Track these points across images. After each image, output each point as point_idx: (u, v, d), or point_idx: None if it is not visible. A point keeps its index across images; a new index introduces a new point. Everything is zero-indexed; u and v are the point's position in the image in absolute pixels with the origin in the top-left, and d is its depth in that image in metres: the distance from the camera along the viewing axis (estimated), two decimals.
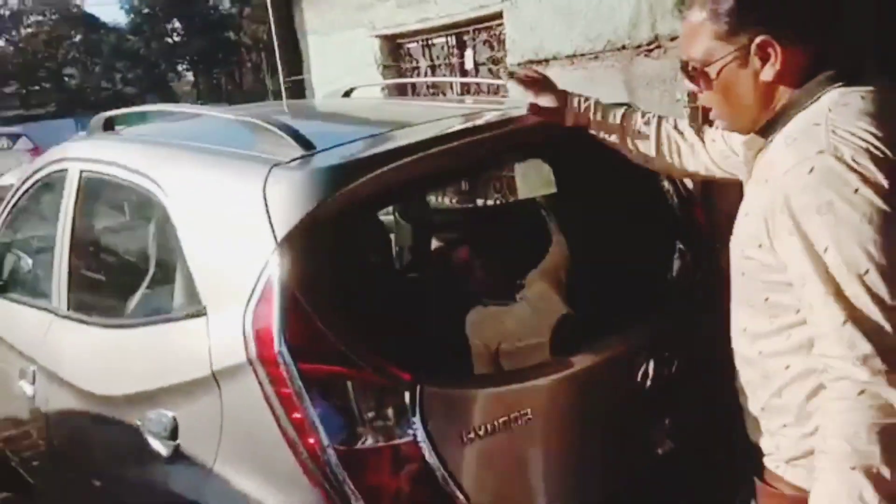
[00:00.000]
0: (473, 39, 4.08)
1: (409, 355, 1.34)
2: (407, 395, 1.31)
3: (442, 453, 1.32)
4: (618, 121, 1.62)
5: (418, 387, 1.32)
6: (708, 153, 1.53)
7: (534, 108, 1.63)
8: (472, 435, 1.35)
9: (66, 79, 32.04)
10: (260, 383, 1.34)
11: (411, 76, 4.46)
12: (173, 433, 1.60)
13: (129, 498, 1.85)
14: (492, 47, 3.96)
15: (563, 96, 1.65)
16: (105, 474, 1.99)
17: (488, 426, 1.36)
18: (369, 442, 1.29)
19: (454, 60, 4.21)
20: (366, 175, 1.39)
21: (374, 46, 4.59)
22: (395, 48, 4.59)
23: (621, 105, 1.66)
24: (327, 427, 1.28)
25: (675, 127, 1.59)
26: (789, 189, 1.02)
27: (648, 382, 1.60)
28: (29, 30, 31.51)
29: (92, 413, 1.96)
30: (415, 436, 1.30)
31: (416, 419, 1.31)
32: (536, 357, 1.55)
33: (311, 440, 1.28)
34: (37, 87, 31.41)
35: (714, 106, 1.22)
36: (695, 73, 1.18)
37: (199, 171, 1.66)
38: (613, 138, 1.63)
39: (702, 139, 1.55)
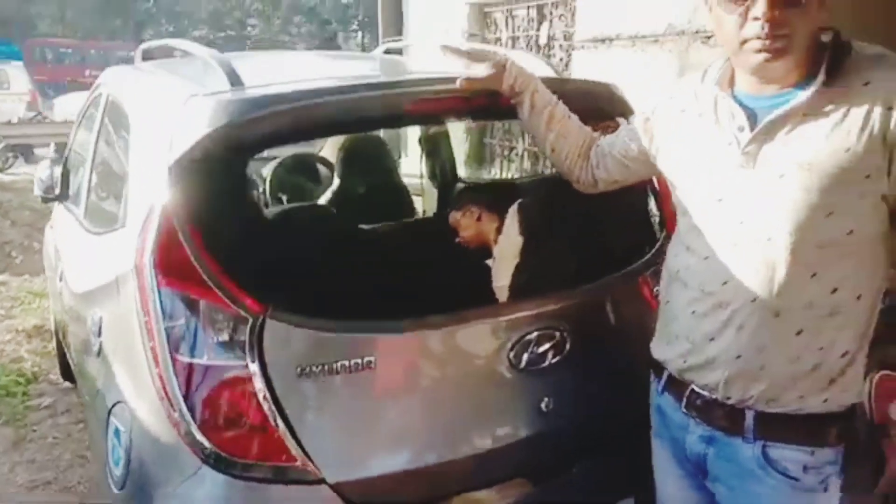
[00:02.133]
0: (551, 13, 4.00)
1: (264, 289, 1.42)
2: (249, 324, 1.39)
3: (274, 385, 1.39)
4: (550, 102, 1.67)
5: (262, 318, 1.40)
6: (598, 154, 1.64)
7: (467, 81, 1.65)
8: (306, 372, 1.41)
9: (249, 28, 34.40)
10: (135, 291, 1.48)
11: (495, 45, 4.44)
12: (100, 330, 1.79)
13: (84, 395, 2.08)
14: (566, 23, 3.87)
15: (503, 64, 1.66)
16: (81, 371, 2.25)
17: (325, 367, 1.42)
18: (204, 359, 1.39)
19: (532, 33, 4.15)
20: (260, 112, 1.47)
21: (463, 14, 4.61)
22: (482, 16, 4.59)
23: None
24: (170, 337, 1.40)
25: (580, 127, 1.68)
26: None
27: (526, 358, 1.58)
28: None
29: (74, 309, 2.22)
30: (248, 363, 1.39)
31: (255, 347, 1.39)
32: None
33: (155, 346, 1.40)
34: (222, 34, 33.97)
35: (798, 26, 1.17)
36: None
37: (152, 97, 1.83)
38: (536, 115, 1.67)
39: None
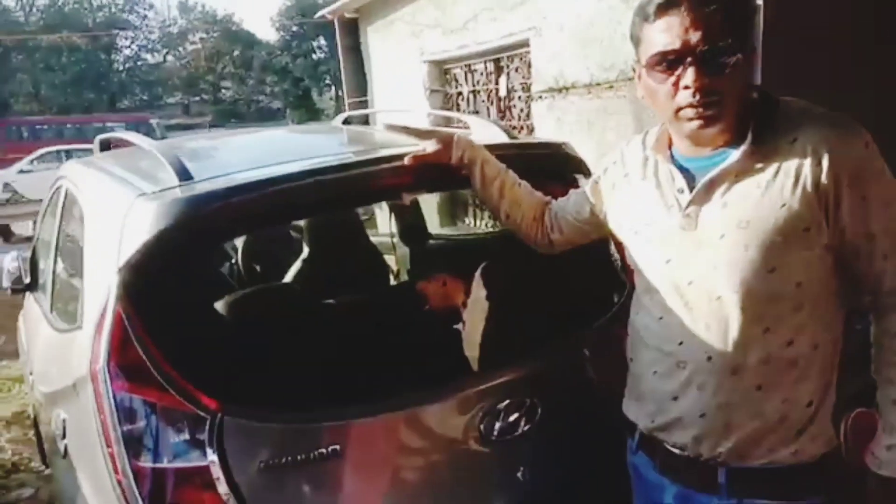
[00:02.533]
0: (507, 66, 4.08)
1: (219, 386, 1.41)
2: (208, 423, 1.38)
3: (237, 481, 1.37)
4: (500, 171, 1.71)
5: (220, 416, 1.38)
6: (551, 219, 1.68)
7: (415, 158, 1.68)
8: (270, 466, 1.39)
9: (223, 91, 34.84)
10: (91, 395, 1.46)
11: (455, 100, 4.52)
12: (64, 433, 1.76)
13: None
14: (523, 74, 3.95)
15: (450, 137, 1.69)
16: (53, 470, 2.21)
17: (289, 458, 1.40)
18: (164, 462, 1.37)
19: (492, 86, 4.22)
20: (213, 206, 1.48)
21: (423, 71, 4.70)
22: (441, 73, 4.67)
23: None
24: (128, 444, 1.38)
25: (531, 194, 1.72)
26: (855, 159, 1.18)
27: (498, 427, 1.57)
28: (193, 46, 34.54)
29: (43, 406, 2.18)
30: (210, 462, 1.37)
31: (214, 446, 1.37)
32: None
33: (114, 453, 1.38)
34: (197, 98, 34.38)
35: (726, 92, 1.20)
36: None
37: (102, 197, 1.83)
38: (488, 185, 1.71)
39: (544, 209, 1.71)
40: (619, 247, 1.91)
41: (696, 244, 1.27)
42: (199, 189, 1.56)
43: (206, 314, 1.53)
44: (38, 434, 3.32)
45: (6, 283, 3.00)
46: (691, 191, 1.27)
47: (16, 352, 4.60)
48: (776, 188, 1.20)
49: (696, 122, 1.21)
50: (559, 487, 1.67)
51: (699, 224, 1.26)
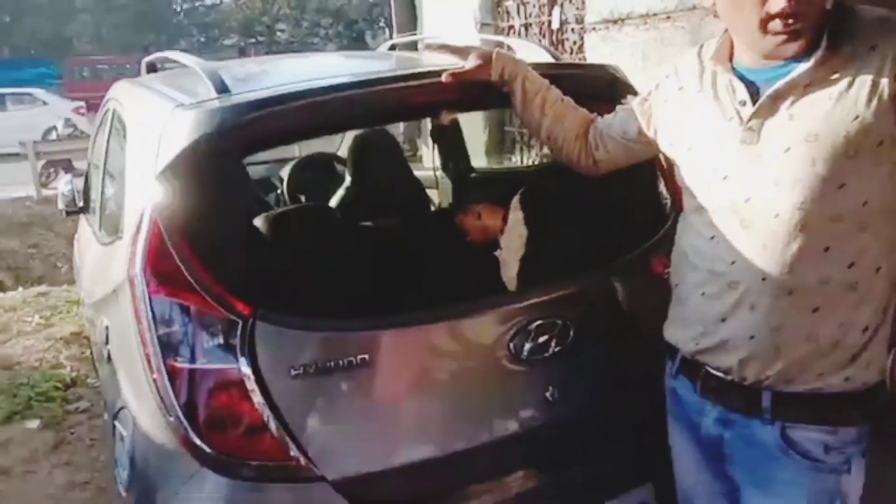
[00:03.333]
0: None
1: (253, 293, 1.43)
2: (240, 328, 1.40)
3: (268, 385, 1.39)
4: (542, 87, 1.65)
5: (252, 321, 1.40)
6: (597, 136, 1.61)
7: (454, 74, 1.63)
8: (300, 372, 1.41)
9: (279, 33, 34.80)
10: (129, 300, 1.50)
11: (507, 34, 4.40)
12: (107, 339, 1.82)
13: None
14: (577, 6, 3.80)
15: (489, 53, 1.65)
16: (100, 378, 2.30)
17: (319, 367, 1.41)
18: (197, 363, 1.40)
19: (544, 18, 4.09)
20: (248, 116, 1.48)
21: (474, 5, 4.58)
22: (493, 6, 4.54)
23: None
24: (163, 345, 1.41)
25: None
26: None
27: (528, 348, 1.55)
28: None
29: (91, 318, 2.27)
30: (241, 365, 1.39)
31: (246, 350, 1.39)
32: None
33: (150, 353, 1.42)
34: (253, 40, 34.45)
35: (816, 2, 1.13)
36: None
37: (144, 109, 1.85)
38: (529, 101, 1.65)
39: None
40: (668, 175, 1.85)
41: (756, 159, 1.21)
42: (235, 100, 1.55)
43: (242, 224, 1.54)
44: (92, 352, 3.47)
45: (61, 205, 3.11)
46: (754, 103, 1.21)
47: (74, 278, 4.83)
48: (849, 99, 1.13)
49: (782, 37, 1.14)
50: (586, 411, 1.66)
51: (761, 138, 1.20)
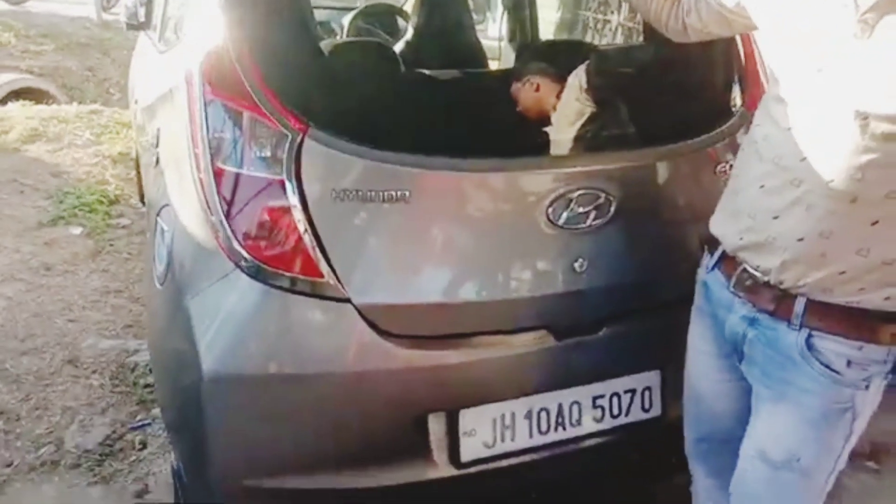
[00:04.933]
0: None
1: (308, 111, 1.43)
2: (289, 140, 1.41)
3: (308, 202, 1.42)
4: None
5: (302, 136, 1.41)
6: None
7: None
8: (341, 196, 1.43)
9: None
10: (185, 99, 1.51)
11: None
12: (158, 141, 1.86)
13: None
14: None
15: None
16: (145, 183, 2.36)
17: (360, 193, 1.43)
18: (243, 169, 1.43)
19: None
20: None
21: None
22: None
23: None
24: (213, 146, 1.44)
25: None
26: None
27: (565, 216, 1.55)
28: None
29: (141, 125, 2.31)
30: (285, 178, 1.41)
31: (292, 164, 1.41)
32: None
33: (199, 153, 1.45)
34: None
35: None
36: None
37: None
38: None
39: None
40: (747, 65, 1.77)
41: (862, 55, 1.09)
42: None
43: (302, 43, 1.52)
44: (139, 175, 3.57)
45: (123, 18, 3.09)
46: None
47: (127, 103, 4.89)
48: None
49: None
50: (610, 289, 1.67)
51: (875, 32, 1.08)
